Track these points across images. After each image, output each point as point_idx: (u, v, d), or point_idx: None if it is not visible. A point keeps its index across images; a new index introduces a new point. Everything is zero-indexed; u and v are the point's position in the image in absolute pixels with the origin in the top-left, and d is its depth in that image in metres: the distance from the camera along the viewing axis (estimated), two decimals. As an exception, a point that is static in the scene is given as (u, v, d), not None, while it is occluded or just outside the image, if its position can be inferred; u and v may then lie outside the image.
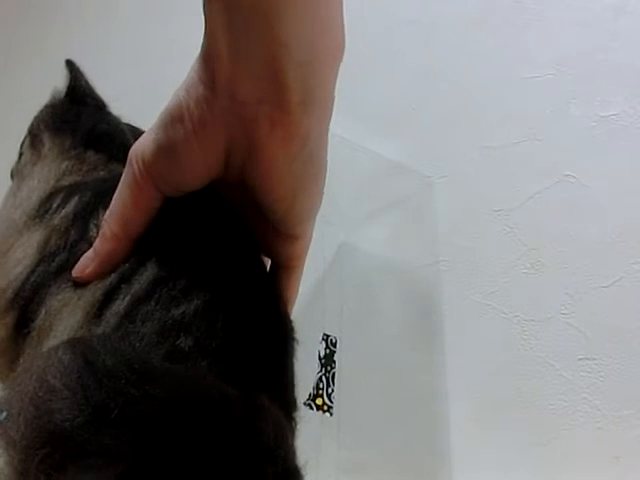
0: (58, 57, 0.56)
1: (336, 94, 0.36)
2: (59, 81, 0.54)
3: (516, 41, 0.92)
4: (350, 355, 0.99)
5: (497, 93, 0.92)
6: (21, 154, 0.51)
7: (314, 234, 0.40)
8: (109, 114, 0.54)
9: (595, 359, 0.84)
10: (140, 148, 0.36)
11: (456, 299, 0.91)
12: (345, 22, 0.34)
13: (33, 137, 0.50)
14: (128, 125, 0.54)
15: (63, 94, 0.53)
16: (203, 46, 0.33)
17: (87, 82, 0.54)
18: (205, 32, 0.32)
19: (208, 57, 0.32)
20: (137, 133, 0.50)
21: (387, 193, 0.96)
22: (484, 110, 0.92)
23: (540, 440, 0.85)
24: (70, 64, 0.53)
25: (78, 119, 0.50)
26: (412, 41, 1.00)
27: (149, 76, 1.33)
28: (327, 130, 0.36)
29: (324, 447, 0.84)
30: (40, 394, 0.27)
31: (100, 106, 0.54)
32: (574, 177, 0.87)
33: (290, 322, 0.38)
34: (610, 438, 0.82)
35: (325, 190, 0.38)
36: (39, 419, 0.26)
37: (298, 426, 0.36)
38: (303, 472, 0.31)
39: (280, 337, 0.36)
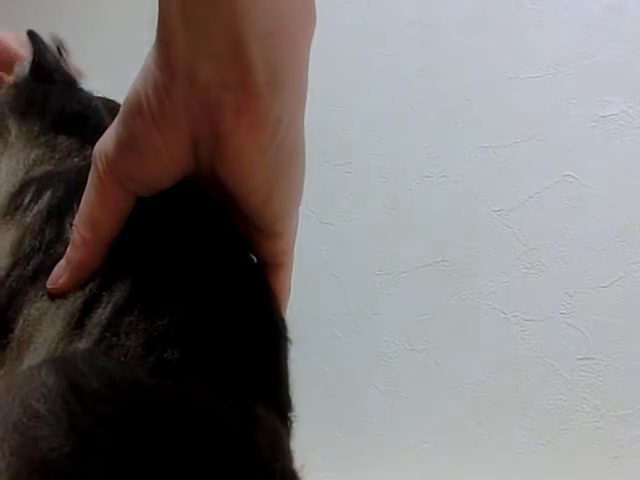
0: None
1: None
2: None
3: (516, 41, 0.92)
4: (350, 355, 1.00)
5: (497, 93, 0.92)
6: None
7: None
8: (80, 91, 0.47)
9: (595, 359, 0.84)
10: (103, 145, 0.32)
11: (456, 299, 0.91)
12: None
13: None
14: (102, 99, 0.47)
15: (27, 71, 0.46)
16: (158, 27, 0.29)
17: (53, 55, 0.47)
18: (159, 10, 0.29)
19: (163, 38, 0.29)
20: (113, 107, 0.44)
21: (387, 193, 0.96)
22: (484, 110, 0.92)
23: (540, 440, 0.85)
24: (32, 35, 0.46)
25: (46, 100, 0.44)
26: (412, 41, 1.00)
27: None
28: (302, 115, 0.32)
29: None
30: (24, 420, 0.25)
31: (69, 82, 0.47)
32: (574, 177, 0.87)
33: (282, 320, 0.35)
34: (610, 438, 0.82)
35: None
36: (24, 447, 0.25)
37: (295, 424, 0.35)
38: (300, 477, 0.31)
39: (272, 338, 0.34)
